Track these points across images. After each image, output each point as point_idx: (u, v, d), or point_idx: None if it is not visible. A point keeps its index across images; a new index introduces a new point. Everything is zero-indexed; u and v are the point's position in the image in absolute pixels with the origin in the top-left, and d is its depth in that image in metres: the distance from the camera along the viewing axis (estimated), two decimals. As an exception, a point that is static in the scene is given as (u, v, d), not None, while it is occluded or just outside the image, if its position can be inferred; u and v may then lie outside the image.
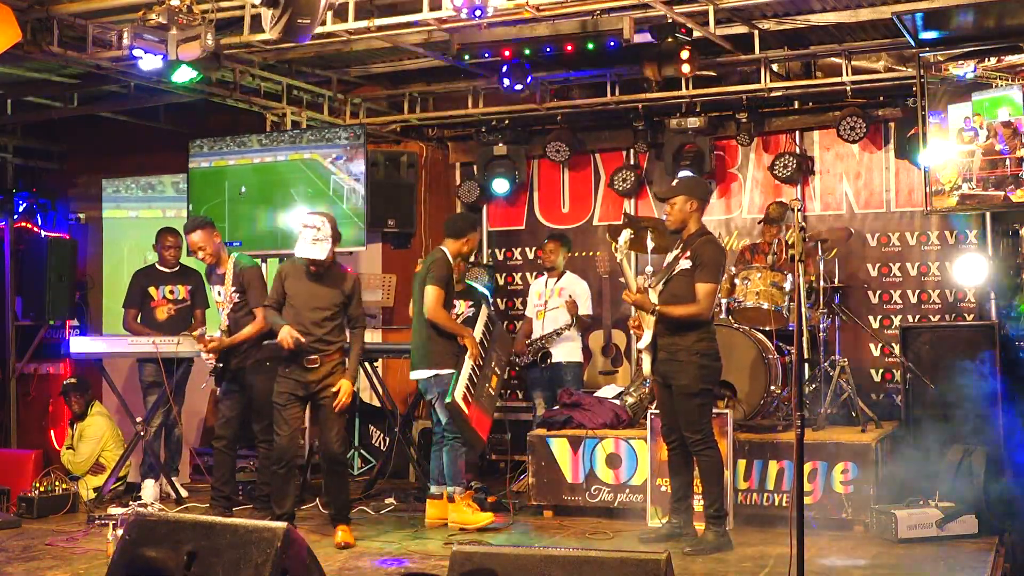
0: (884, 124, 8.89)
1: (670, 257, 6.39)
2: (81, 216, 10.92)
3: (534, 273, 9.66)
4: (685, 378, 6.17)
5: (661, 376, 6.29)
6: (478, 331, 7.20)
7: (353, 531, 6.68)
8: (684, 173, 8.86)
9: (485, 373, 7.12)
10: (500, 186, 9.73)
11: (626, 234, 6.29)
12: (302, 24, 5.96)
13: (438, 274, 7.03)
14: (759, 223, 8.70)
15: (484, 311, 7.44)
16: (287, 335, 6.45)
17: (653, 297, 6.25)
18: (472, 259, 8.59)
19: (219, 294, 7.11)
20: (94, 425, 8.31)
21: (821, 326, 7.80)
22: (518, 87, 7.82)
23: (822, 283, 7.74)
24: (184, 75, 7.12)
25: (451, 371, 6.96)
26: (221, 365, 7.02)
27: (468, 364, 6.99)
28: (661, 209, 9.43)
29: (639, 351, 6.43)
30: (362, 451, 9.37)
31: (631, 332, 7.06)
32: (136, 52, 6.49)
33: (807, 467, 6.53)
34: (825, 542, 6.30)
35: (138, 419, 7.97)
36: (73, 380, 8.67)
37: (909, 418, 7.87)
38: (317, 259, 6.49)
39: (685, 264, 6.19)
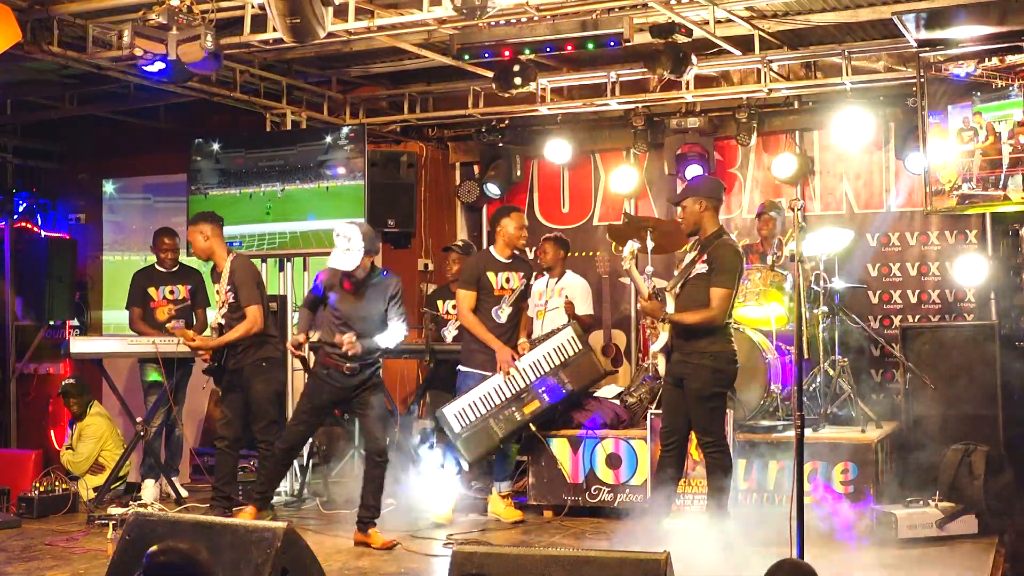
0: (884, 124, 8.88)
1: (686, 259, 6.26)
2: (81, 216, 10.92)
3: (534, 273, 9.64)
4: (698, 381, 6.05)
5: (674, 377, 6.21)
6: (543, 349, 7.11)
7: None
8: (694, 167, 8.89)
9: (521, 397, 7.02)
10: (492, 191, 9.82)
11: (631, 245, 6.20)
12: (294, 23, 5.96)
13: (462, 275, 7.28)
14: (757, 216, 8.69)
15: (568, 331, 7.31)
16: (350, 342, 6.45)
17: (670, 301, 6.19)
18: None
19: (218, 293, 7.13)
20: (93, 425, 8.30)
21: (821, 326, 7.79)
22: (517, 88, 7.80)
23: (822, 283, 7.73)
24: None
25: (471, 370, 7.09)
26: (216, 364, 7.02)
27: (489, 382, 6.98)
28: (661, 209, 9.47)
29: (654, 354, 6.35)
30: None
31: (647, 333, 7.04)
32: (137, 52, 6.46)
33: (807, 467, 6.52)
34: (825, 542, 6.30)
35: (138, 419, 7.97)
36: (71, 380, 8.66)
37: (909, 418, 7.88)
38: (345, 270, 6.44)
39: (701, 268, 6.05)
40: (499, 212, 7.52)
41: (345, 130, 8.49)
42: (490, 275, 7.21)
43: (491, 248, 7.39)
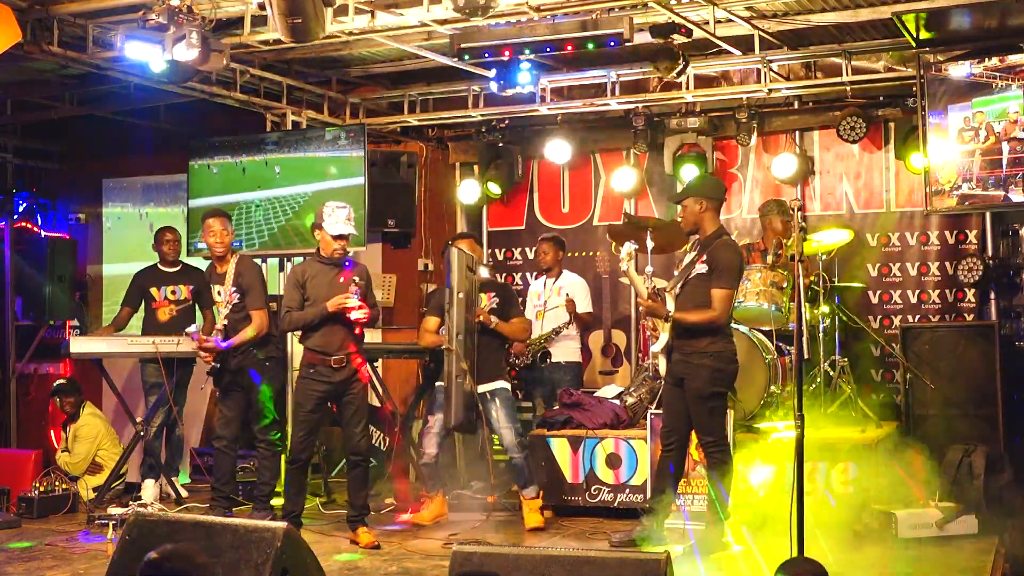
0: (884, 124, 8.87)
1: (686, 259, 6.28)
2: (81, 216, 10.92)
3: (534, 273, 9.66)
4: (698, 381, 6.07)
5: (674, 377, 6.21)
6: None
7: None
8: (689, 167, 8.91)
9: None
10: (492, 190, 9.82)
11: (629, 246, 6.20)
12: (294, 23, 5.96)
13: (430, 304, 7.46)
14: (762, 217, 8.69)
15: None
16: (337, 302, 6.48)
17: (669, 301, 6.18)
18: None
19: (219, 294, 7.09)
20: (88, 425, 8.28)
21: (821, 326, 7.79)
22: (511, 91, 7.78)
23: (822, 283, 7.74)
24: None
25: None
26: (219, 366, 7.00)
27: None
28: (661, 209, 9.47)
29: (655, 354, 6.34)
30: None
31: (647, 334, 7.01)
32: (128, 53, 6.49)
33: (807, 467, 6.52)
34: (825, 542, 6.29)
35: (138, 419, 7.97)
36: (63, 381, 8.64)
37: (909, 418, 7.88)
38: (353, 234, 6.63)
39: (701, 268, 6.07)
40: (452, 241, 7.50)
41: (344, 131, 8.50)
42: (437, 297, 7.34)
43: None
